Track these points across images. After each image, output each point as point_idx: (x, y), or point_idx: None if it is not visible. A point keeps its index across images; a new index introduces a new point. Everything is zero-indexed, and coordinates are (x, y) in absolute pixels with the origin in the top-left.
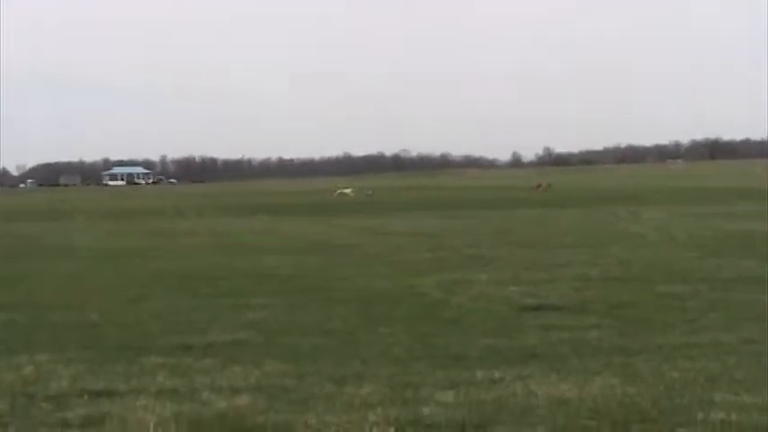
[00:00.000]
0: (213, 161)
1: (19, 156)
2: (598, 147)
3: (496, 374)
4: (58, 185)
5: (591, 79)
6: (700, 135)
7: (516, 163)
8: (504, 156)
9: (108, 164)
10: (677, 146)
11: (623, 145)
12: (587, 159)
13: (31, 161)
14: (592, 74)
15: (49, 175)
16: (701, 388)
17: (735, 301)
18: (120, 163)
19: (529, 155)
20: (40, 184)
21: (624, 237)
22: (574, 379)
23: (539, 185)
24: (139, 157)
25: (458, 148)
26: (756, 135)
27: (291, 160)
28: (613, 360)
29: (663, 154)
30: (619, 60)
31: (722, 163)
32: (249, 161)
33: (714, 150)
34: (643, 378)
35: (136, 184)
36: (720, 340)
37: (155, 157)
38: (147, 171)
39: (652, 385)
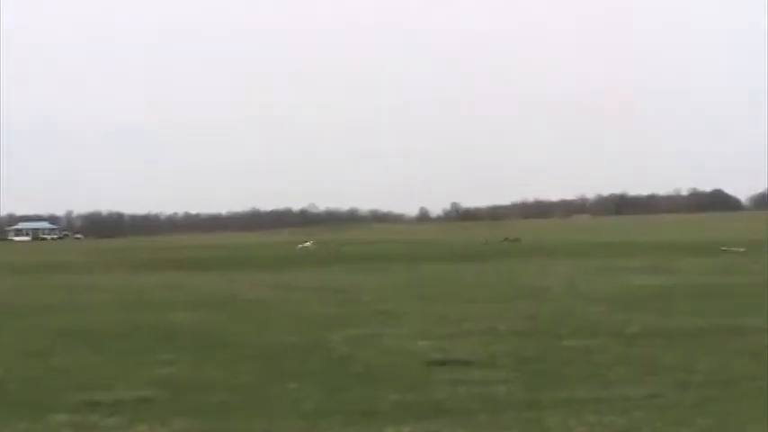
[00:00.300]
0: (120, 216)
1: None
2: (505, 201)
3: (405, 430)
4: None
5: (497, 135)
6: (606, 190)
7: (424, 218)
8: (411, 210)
9: (13, 219)
10: (583, 201)
11: (530, 199)
12: (495, 214)
13: None
14: (498, 132)
15: None
16: None
17: (640, 355)
18: (26, 218)
19: (436, 209)
20: None
21: (531, 291)
22: None
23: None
24: (45, 212)
25: (365, 202)
26: (662, 190)
27: (198, 215)
28: (522, 415)
29: (569, 209)
30: (523, 116)
31: (628, 218)
32: (156, 216)
33: (620, 205)
34: None
35: (42, 239)
36: (627, 395)
37: (60, 212)
38: (53, 226)
39: None
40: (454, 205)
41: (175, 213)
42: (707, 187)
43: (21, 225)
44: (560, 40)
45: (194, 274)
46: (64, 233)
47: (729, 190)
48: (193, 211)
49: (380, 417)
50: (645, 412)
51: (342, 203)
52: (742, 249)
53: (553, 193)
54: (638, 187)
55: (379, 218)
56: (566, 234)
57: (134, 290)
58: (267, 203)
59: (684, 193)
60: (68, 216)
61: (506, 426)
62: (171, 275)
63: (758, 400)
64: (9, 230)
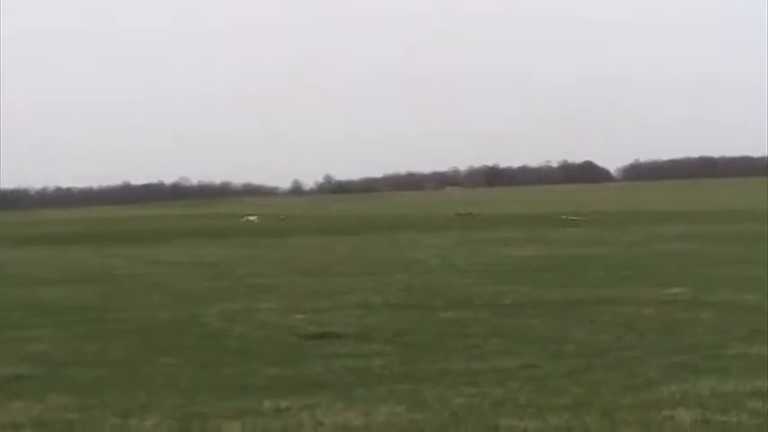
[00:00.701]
0: None
1: None
2: (378, 174)
3: (283, 404)
4: None
5: (368, 107)
6: (477, 162)
7: (297, 191)
8: (284, 183)
9: None
10: (456, 172)
11: (403, 172)
12: (367, 186)
13: None
14: (369, 102)
15: None
16: (486, 414)
17: (514, 326)
18: None
19: (309, 182)
20: None
21: (405, 264)
22: (360, 407)
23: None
24: None
25: (238, 176)
26: (533, 162)
27: (69, 189)
28: (398, 387)
29: (442, 180)
30: (394, 88)
31: (500, 189)
32: (26, 190)
33: (492, 177)
34: (428, 405)
35: None
36: (502, 365)
37: None
38: None
39: (437, 412)
40: (327, 177)
41: (45, 188)
42: (577, 159)
43: None
44: (432, 19)
45: (66, 249)
46: None
47: (599, 162)
48: (64, 186)
49: (257, 391)
50: (520, 382)
51: (214, 177)
52: (584, 218)
53: (425, 166)
54: (509, 159)
55: (251, 191)
56: (438, 207)
57: (2, 265)
58: (139, 177)
59: (555, 164)
60: None
61: (384, 399)
62: (42, 251)
63: (629, 370)
64: None
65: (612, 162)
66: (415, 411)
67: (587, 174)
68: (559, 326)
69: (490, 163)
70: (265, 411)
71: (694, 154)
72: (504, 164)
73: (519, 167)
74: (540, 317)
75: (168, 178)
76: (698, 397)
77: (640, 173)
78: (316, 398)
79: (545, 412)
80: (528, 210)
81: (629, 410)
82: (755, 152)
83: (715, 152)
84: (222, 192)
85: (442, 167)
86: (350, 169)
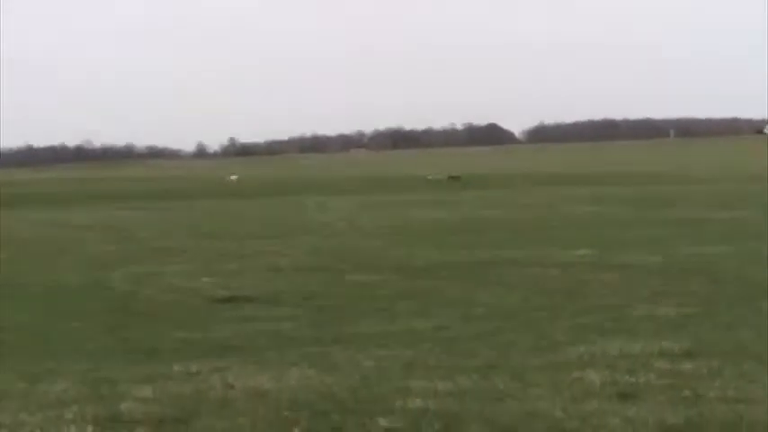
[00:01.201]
0: None
1: None
2: (283, 136)
3: (193, 368)
4: None
5: (272, 70)
6: (382, 125)
7: (201, 153)
8: (188, 146)
9: None
10: (360, 135)
11: (308, 134)
12: (272, 149)
13: None
14: (273, 65)
15: None
16: (397, 376)
17: (425, 288)
18: None
19: (214, 145)
20: None
21: (312, 227)
22: (271, 371)
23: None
24: None
25: (142, 138)
26: (438, 125)
27: None
28: (309, 351)
29: (347, 143)
30: (298, 51)
31: (404, 152)
32: None
33: (396, 139)
34: (339, 368)
35: None
36: (413, 328)
37: None
38: None
39: (349, 375)
40: (232, 140)
41: None
42: (482, 121)
43: None
44: None
45: None
46: None
47: (504, 124)
48: None
49: (166, 355)
50: (431, 344)
51: (117, 140)
52: (444, 177)
53: (330, 128)
54: (413, 122)
55: (155, 153)
56: (343, 169)
57: None
58: (41, 139)
59: (460, 127)
60: None
61: (295, 362)
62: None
63: (538, 331)
64: None
65: (517, 124)
66: (327, 374)
67: (492, 136)
68: (468, 288)
69: (395, 125)
70: (175, 375)
71: (598, 116)
72: (408, 126)
73: (424, 130)
74: (449, 279)
75: (71, 140)
76: (606, 358)
77: (545, 135)
78: (226, 361)
79: (455, 374)
80: (431, 171)
81: (539, 372)
82: (657, 114)
83: (618, 115)
84: (126, 154)
85: (348, 130)
86: (255, 132)
